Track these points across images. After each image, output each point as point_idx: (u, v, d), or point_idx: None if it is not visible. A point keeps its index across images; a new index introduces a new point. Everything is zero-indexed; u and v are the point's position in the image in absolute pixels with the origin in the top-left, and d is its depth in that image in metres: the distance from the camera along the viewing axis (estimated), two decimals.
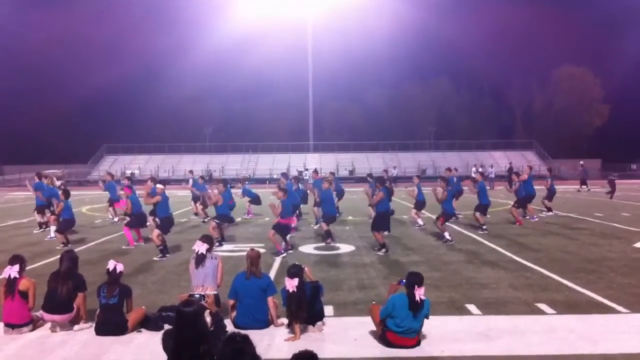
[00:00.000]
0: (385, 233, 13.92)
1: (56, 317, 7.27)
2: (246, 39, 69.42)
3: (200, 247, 8.01)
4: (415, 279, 6.61)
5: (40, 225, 17.71)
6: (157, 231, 12.96)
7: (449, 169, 21.39)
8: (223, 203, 14.77)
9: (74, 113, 70.49)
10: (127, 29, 70.85)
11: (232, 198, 17.13)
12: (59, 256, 7.85)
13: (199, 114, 75.92)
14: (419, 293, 6.48)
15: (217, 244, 13.83)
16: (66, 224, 14.80)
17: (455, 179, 20.26)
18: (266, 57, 68.92)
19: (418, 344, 6.54)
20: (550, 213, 20.52)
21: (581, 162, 39.63)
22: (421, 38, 72.07)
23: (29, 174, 53.04)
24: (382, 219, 13.49)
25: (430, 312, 6.70)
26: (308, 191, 19.73)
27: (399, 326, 6.44)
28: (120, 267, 7.41)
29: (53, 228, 15.62)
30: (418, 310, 6.48)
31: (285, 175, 20.02)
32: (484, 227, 16.31)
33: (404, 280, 6.77)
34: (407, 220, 18.88)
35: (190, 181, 22.70)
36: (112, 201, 19.92)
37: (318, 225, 16.94)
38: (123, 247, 14.35)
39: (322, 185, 15.55)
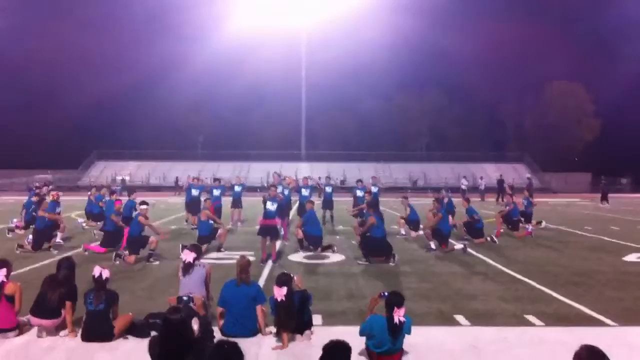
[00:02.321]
0: (392, 264, 12.85)
1: (43, 322, 7.21)
2: (240, 49, 69.42)
3: (188, 257, 7.98)
4: (394, 300, 6.32)
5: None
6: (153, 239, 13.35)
7: (437, 194, 21.45)
8: (202, 225, 14.87)
9: (66, 119, 70.07)
10: (120, 39, 70.94)
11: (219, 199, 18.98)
12: (45, 262, 7.79)
13: (191, 123, 75.73)
14: (398, 315, 6.21)
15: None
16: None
17: (446, 199, 20.12)
18: (260, 67, 68.81)
19: (401, 356, 6.45)
20: (541, 225, 20.59)
21: (527, 175, 40.56)
22: (415, 50, 72.41)
23: (20, 179, 53.03)
24: (375, 243, 13.20)
25: (411, 329, 6.44)
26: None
27: (378, 347, 6.30)
28: (106, 273, 7.30)
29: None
30: (397, 333, 6.25)
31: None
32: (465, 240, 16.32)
33: (386, 293, 6.64)
34: (395, 231, 18.86)
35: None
36: (89, 213, 20.03)
37: None
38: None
39: (306, 206, 15.49)
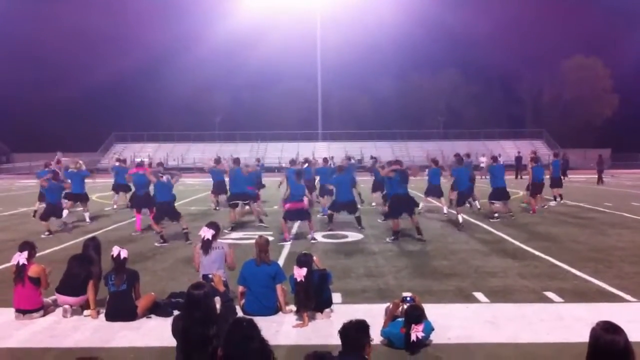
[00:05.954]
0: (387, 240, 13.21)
1: (69, 299, 7.35)
2: (255, 28, 69.20)
3: (206, 233, 8.05)
4: (412, 316, 6.10)
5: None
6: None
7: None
8: (235, 182, 15.12)
9: (83, 101, 70.54)
10: (136, 18, 70.81)
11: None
12: (68, 243, 7.91)
13: (207, 103, 75.76)
14: (416, 331, 6.01)
15: (228, 230, 14.08)
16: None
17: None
18: (275, 46, 68.64)
19: None
20: (560, 201, 20.49)
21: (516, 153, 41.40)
22: (430, 28, 71.47)
23: (38, 162, 53.41)
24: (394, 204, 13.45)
25: (431, 332, 6.27)
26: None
27: (397, 349, 6.18)
28: (124, 253, 7.38)
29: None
30: (415, 349, 6.05)
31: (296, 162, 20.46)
32: (496, 215, 16.38)
33: (409, 298, 6.54)
34: (420, 210, 18.80)
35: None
36: (118, 186, 20.11)
37: (322, 214, 17.09)
38: (132, 233, 14.47)
39: (337, 171, 15.67)
